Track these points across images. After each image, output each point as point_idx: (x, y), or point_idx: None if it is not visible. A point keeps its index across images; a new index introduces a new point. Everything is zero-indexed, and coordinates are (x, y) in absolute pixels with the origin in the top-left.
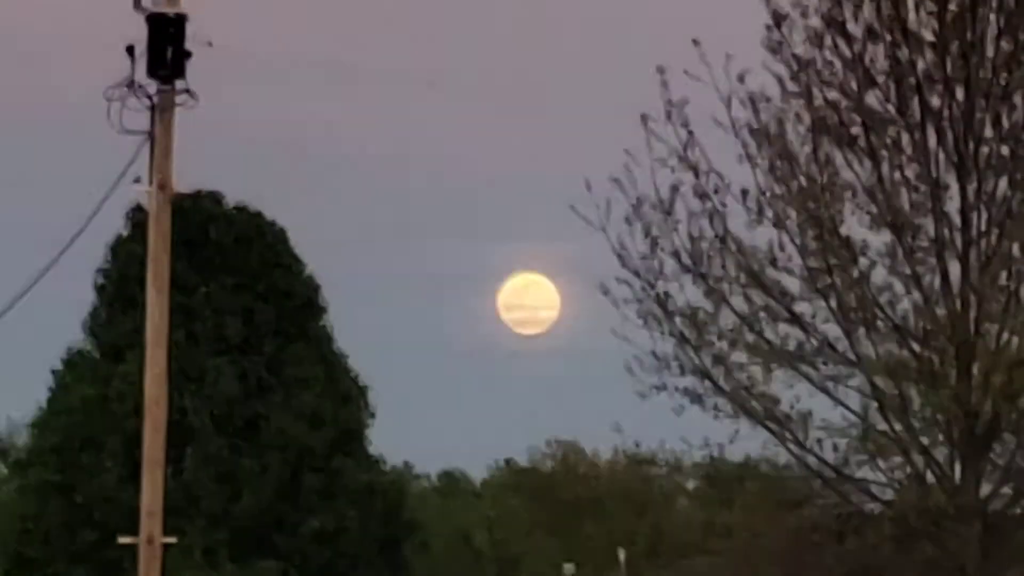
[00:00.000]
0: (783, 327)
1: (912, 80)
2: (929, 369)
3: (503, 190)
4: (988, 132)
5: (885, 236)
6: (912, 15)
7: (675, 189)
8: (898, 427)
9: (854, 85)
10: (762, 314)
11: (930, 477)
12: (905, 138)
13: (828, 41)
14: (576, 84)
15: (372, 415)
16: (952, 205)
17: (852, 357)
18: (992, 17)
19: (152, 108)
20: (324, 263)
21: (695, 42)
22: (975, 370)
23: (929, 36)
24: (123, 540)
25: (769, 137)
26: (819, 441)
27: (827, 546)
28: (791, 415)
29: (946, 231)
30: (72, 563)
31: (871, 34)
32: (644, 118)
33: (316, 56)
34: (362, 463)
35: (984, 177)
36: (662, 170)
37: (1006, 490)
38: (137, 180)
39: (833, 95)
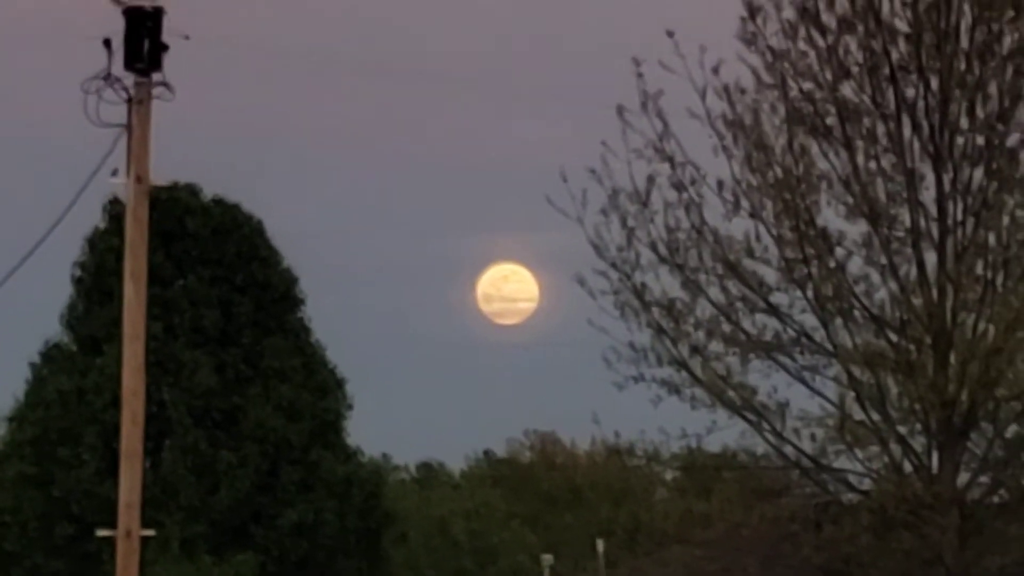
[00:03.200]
0: (760, 317)
1: (887, 71)
2: (906, 359)
3: (482, 180)
4: (963, 122)
5: (861, 226)
6: (886, 5)
7: (651, 180)
8: (875, 417)
9: (829, 76)
10: (739, 304)
11: (908, 467)
12: (880, 128)
13: (802, 32)
14: (554, 75)
15: (350, 407)
16: (928, 195)
17: (829, 347)
18: (966, 7)
19: (129, 101)
20: (303, 255)
21: (669, 33)
22: (952, 359)
23: (903, 26)
24: (101, 533)
25: (744, 128)
26: (796, 431)
27: (805, 536)
28: (768, 405)
29: (922, 221)
30: (50, 556)
31: (845, 25)
32: (620, 109)
33: (293, 46)
34: (340, 455)
35: (959, 167)
36: (638, 161)
37: (984, 479)
38: (114, 173)
39: (808, 86)
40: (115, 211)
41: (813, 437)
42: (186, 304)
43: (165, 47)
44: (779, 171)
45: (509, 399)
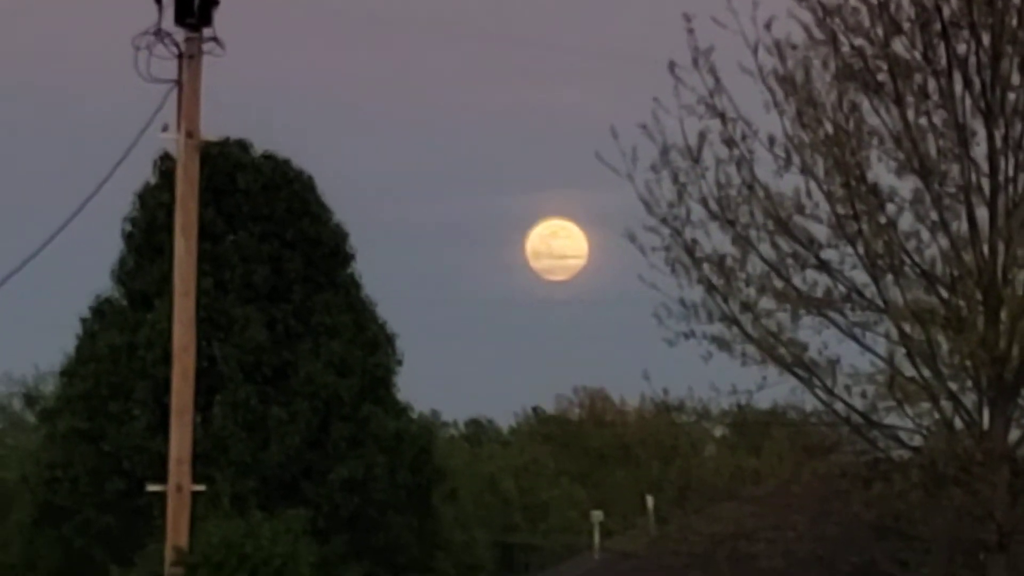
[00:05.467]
0: (811, 274)
1: (938, 26)
2: (957, 315)
3: (532, 138)
4: (1015, 78)
5: (912, 182)
6: None
7: (702, 136)
8: (926, 373)
9: (880, 32)
10: (790, 261)
11: (958, 423)
12: (932, 84)
13: None
14: (603, 32)
15: (400, 363)
16: (979, 151)
17: (880, 303)
18: None
19: (179, 56)
20: (354, 213)
21: None
22: (1003, 316)
23: None
24: (152, 488)
25: (795, 84)
26: (847, 388)
27: (855, 492)
28: (819, 362)
29: (973, 177)
30: (101, 511)
31: None
32: (671, 65)
33: (344, 1)
34: (390, 411)
35: (1011, 123)
36: (689, 118)
37: None
38: (165, 128)
39: (859, 42)
40: (166, 167)
41: (863, 394)
42: (236, 260)
43: (216, 2)
44: (830, 127)
45: (558, 356)
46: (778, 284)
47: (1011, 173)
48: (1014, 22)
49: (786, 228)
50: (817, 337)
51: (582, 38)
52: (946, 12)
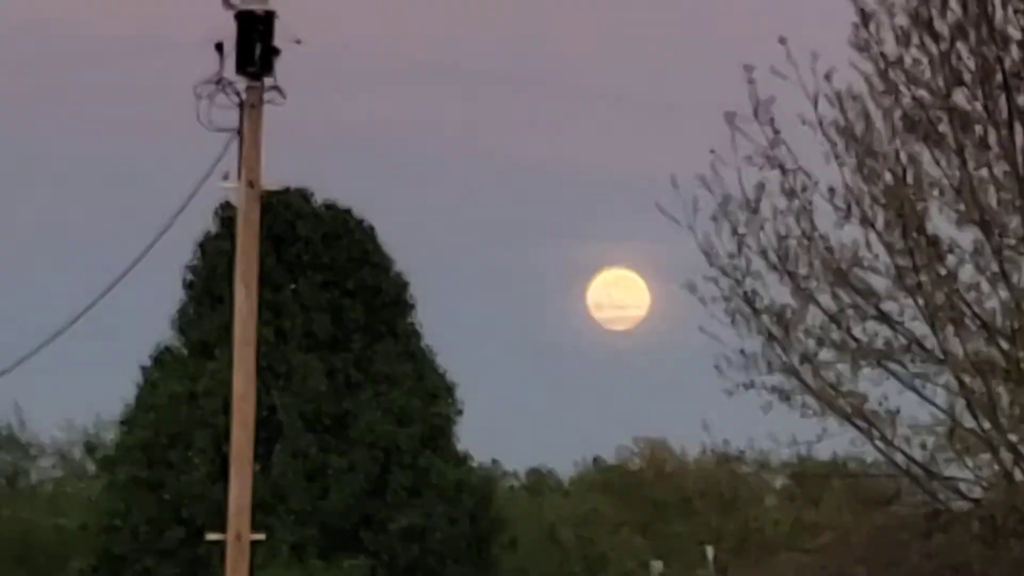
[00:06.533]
0: (871, 325)
1: (999, 78)
2: (1017, 367)
3: (594, 188)
4: None
5: (972, 234)
6: (999, 12)
7: (761, 187)
8: (986, 425)
9: (941, 83)
10: (849, 312)
11: (1018, 475)
12: (992, 136)
13: (915, 39)
14: (663, 83)
15: (460, 412)
16: None
17: (939, 355)
18: None
19: (241, 105)
20: (414, 261)
21: (782, 40)
22: None
23: (1016, 33)
24: (211, 537)
25: (856, 135)
26: (907, 439)
27: (914, 544)
28: (879, 413)
29: None
30: (160, 560)
31: (958, 31)
32: (731, 116)
33: (402, 52)
34: (450, 460)
35: None
36: (748, 169)
37: None
38: (225, 177)
39: (920, 93)
40: (226, 215)
41: (923, 445)
42: (297, 309)
43: (277, 51)
44: (890, 178)
45: (619, 406)
46: (837, 336)
47: None
48: None
49: (845, 279)
50: (877, 388)
51: (640, 88)
52: (1007, 64)
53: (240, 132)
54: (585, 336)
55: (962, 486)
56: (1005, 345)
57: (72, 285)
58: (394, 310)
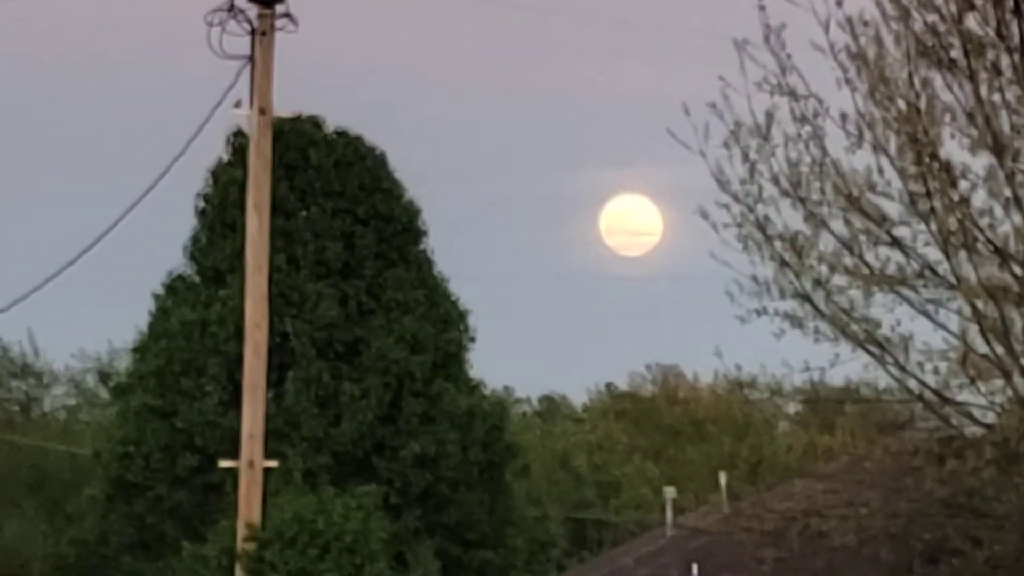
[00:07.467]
0: (883, 251)
1: (1012, 3)
2: None
3: (604, 115)
4: None
5: (985, 159)
6: None
7: (770, 115)
8: (999, 350)
9: (953, 8)
10: (862, 238)
11: None
12: (1005, 61)
13: None
14: (673, 12)
15: (472, 339)
16: None
17: (952, 280)
18: None
19: (252, 33)
20: (427, 188)
21: None
22: None
23: None
24: (224, 464)
25: (867, 61)
26: (919, 364)
27: (928, 469)
28: (891, 338)
29: None
30: (173, 487)
31: None
32: (741, 43)
33: None
34: (462, 388)
35: None
36: (759, 95)
37: None
38: (237, 104)
39: (932, 18)
40: (239, 143)
41: (936, 370)
42: (309, 236)
43: None
44: (902, 104)
45: (631, 332)
46: (850, 261)
47: None
48: None
49: (858, 205)
50: (890, 314)
51: (646, 15)
52: None
53: (252, 60)
54: (598, 263)
55: (975, 411)
56: (1018, 270)
57: (84, 215)
58: (406, 237)
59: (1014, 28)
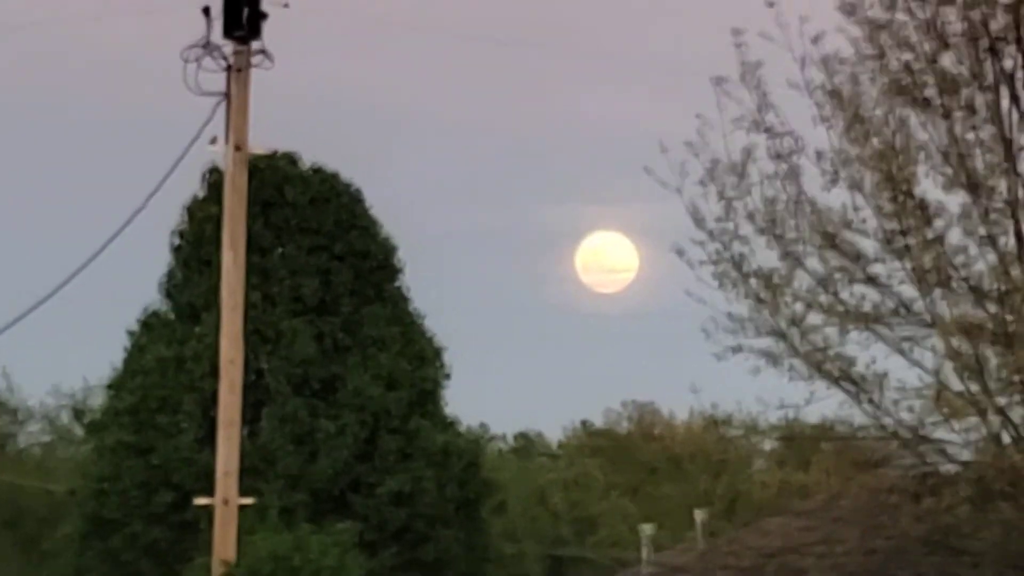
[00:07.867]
0: (859, 288)
1: (985, 42)
2: (1004, 330)
3: (581, 151)
4: None
5: (960, 197)
6: None
7: (747, 152)
8: (974, 388)
9: (928, 47)
10: (837, 276)
11: (1006, 437)
12: (979, 100)
13: (901, 3)
14: (650, 47)
15: (448, 376)
16: None
17: (927, 318)
18: None
19: (228, 69)
20: (403, 224)
21: (770, 4)
22: None
23: None
24: (199, 501)
25: (843, 99)
26: (895, 402)
27: (904, 507)
28: (867, 376)
29: (1021, 192)
30: (149, 524)
31: None
32: (718, 80)
33: (390, 14)
34: (438, 424)
35: None
36: (736, 132)
37: None
38: (213, 141)
39: (907, 57)
40: (214, 179)
41: (911, 408)
42: (284, 273)
43: (264, 15)
44: (878, 142)
45: (607, 369)
46: (825, 299)
47: None
48: None
49: (833, 243)
50: (865, 352)
51: (626, 50)
52: (993, 27)
53: (227, 96)
54: (573, 299)
55: (950, 449)
56: (992, 308)
57: (59, 251)
58: (382, 274)
59: (988, 67)
